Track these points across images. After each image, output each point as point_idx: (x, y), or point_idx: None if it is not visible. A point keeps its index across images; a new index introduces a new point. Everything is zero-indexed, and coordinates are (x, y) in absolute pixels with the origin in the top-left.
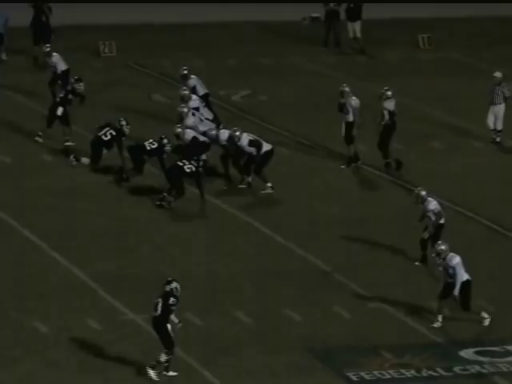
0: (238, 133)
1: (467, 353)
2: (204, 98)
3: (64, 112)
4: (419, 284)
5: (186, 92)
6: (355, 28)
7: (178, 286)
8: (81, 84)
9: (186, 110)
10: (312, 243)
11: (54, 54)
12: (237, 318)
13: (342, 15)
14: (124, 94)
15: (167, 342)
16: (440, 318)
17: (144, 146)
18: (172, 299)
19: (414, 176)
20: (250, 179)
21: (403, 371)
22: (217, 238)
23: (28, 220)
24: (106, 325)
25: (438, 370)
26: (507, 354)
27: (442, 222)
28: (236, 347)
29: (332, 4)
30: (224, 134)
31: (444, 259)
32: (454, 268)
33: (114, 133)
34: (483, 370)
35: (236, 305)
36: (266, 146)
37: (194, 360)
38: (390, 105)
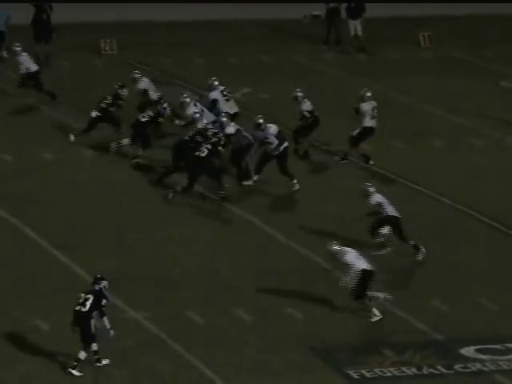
0: (261, 120)
1: (468, 351)
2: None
3: (112, 115)
4: (420, 281)
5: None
6: (356, 26)
7: (107, 285)
8: (124, 90)
9: (188, 99)
10: (312, 241)
11: (23, 53)
12: (237, 316)
13: (343, 13)
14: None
15: (89, 338)
16: (375, 311)
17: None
18: (104, 301)
19: (414, 174)
20: (256, 178)
21: (404, 369)
22: (218, 236)
23: (28, 218)
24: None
25: (439, 367)
26: (508, 351)
27: (390, 213)
28: (236, 345)
29: (333, 2)
30: (230, 127)
31: (339, 258)
32: (347, 263)
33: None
34: (484, 368)
35: (237, 303)
36: (286, 142)
37: (194, 358)
38: (307, 106)
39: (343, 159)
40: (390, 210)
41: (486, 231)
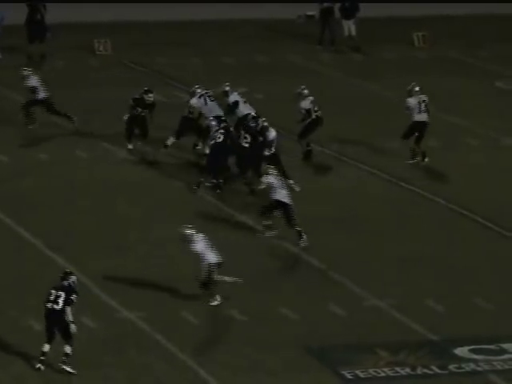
0: (228, 88)
1: (462, 351)
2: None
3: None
4: (415, 282)
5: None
6: (350, 26)
7: (76, 279)
8: (150, 95)
9: (199, 90)
10: (308, 241)
11: (33, 77)
12: (233, 316)
13: (337, 13)
14: (119, 92)
15: (68, 334)
16: (218, 297)
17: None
18: (74, 295)
19: (411, 174)
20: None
21: (398, 369)
22: (213, 236)
23: (24, 218)
24: (102, 323)
25: (433, 367)
26: (502, 352)
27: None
28: (232, 345)
29: (327, 2)
30: (272, 132)
31: (189, 243)
32: (195, 251)
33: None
34: (478, 368)
35: (232, 303)
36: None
37: (189, 358)
38: (305, 103)
39: (413, 158)
40: (281, 195)
41: (480, 231)
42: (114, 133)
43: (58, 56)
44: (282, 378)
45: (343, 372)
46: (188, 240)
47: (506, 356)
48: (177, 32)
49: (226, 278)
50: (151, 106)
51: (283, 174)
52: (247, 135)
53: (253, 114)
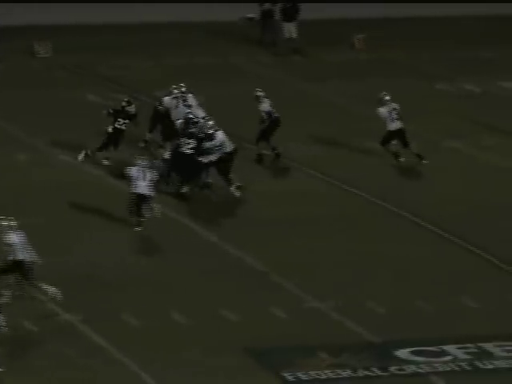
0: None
1: (403, 353)
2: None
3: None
4: (356, 284)
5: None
6: (291, 28)
7: None
8: (132, 106)
9: (176, 90)
10: (249, 243)
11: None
12: (174, 318)
13: (278, 15)
14: (60, 94)
15: None
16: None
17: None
18: None
19: (355, 177)
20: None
21: (339, 371)
22: (154, 239)
23: None
24: (42, 325)
25: (374, 369)
26: (443, 353)
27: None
28: (174, 348)
29: (267, 4)
30: None
31: (3, 236)
32: (11, 245)
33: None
34: (419, 370)
35: (173, 306)
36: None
37: (131, 362)
38: (265, 106)
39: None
40: (140, 188)
41: (423, 233)
42: (55, 136)
43: None
44: (223, 380)
45: (285, 374)
46: (2, 232)
47: (447, 358)
48: (119, 35)
49: (45, 287)
50: (133, 117)
51: (226, 177)
52: (190, 141)
53: (194, 118)
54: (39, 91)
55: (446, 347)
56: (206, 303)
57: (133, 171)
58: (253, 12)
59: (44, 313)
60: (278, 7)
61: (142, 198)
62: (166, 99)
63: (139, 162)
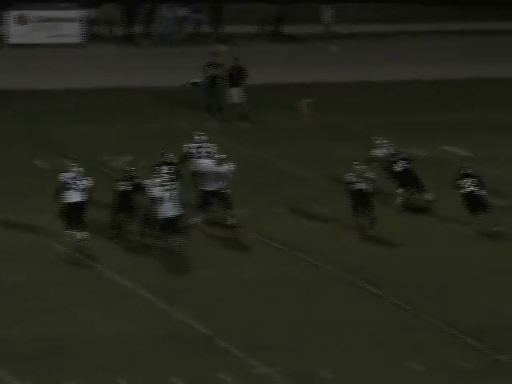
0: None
1: None
2: None
3: None
4: (304, 347)
5: None
6: (237, 94)
7: None
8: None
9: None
10: (195, 307)
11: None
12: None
13: (224, 80)
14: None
15: None
16: None
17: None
18: None
19: (296, 240)
20: None
21: None
22: (99, 301)
23: None
24: None
25: None
26: None
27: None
28: None
29: (213, 69)
30: None
31: None
32: None
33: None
34: None
35: (116, 372)
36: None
37: None
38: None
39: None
40: (71, 197)
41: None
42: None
43: None
44: None
45: None
46: None
47: None
48: (63, 100)
49: None
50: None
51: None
52: None
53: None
54: None
55: None
56: (154, 369)
57: (67, 176)
58: (198, 77)
59: None
60: (223, 72)
61: (73, 207)
62: (188, 146)
63: (72, 169)
